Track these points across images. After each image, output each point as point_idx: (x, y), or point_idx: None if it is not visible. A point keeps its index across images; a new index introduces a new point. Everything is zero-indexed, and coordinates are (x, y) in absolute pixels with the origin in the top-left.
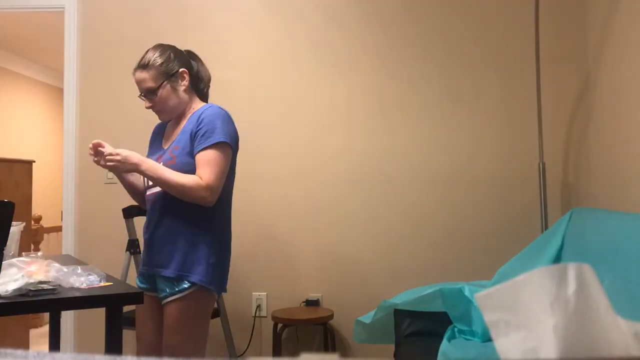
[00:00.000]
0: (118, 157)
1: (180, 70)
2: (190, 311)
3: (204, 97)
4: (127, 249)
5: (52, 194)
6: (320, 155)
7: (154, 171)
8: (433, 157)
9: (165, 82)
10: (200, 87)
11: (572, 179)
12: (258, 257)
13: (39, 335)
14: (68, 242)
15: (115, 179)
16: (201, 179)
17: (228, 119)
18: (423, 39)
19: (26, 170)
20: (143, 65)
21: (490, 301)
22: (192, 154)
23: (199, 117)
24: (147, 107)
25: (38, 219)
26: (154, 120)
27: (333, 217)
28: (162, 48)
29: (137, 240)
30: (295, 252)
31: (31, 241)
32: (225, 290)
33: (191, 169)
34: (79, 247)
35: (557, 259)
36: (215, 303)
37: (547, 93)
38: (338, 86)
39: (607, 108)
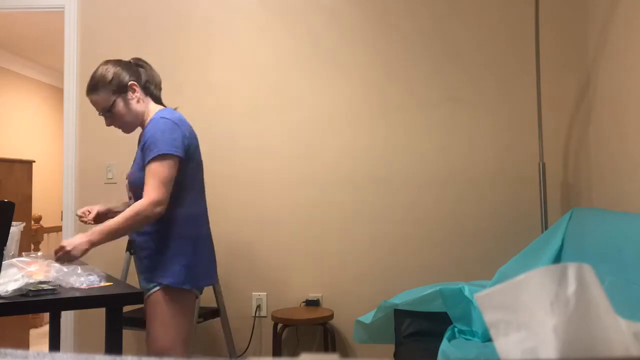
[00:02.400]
0: (67, 250)
1: (130, 83)
2: (162, 308)
3: (159, 100)
4: (127, 249)
5: (52, 194)
6: (321, 155)
7: (107, 234)
8: (433, 157)
9: (116, 99)
10: (153, 92)
11: (572, 179)
12: (258, 257)
13: (39, 335)
14: None
15: (115, 179)
16: (144, 196)
17: (169, 128)
18: (424, 40)
19: (26, 170)
20: (92, 88)
21: (490, 301)
22: (144, 168)
23: (145, 131)
24: (108, 125)
25: (38, 219)
26: None
27: (333, 217)
28: (107, 66)
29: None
30: (296, 252)
31: (31, 241)
32: (213, 284)
33: (143, 183)
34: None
35: (557, 259)
36: (215, 302)
37: (547, 93)
38: (339, 87)
39: (607, 108)
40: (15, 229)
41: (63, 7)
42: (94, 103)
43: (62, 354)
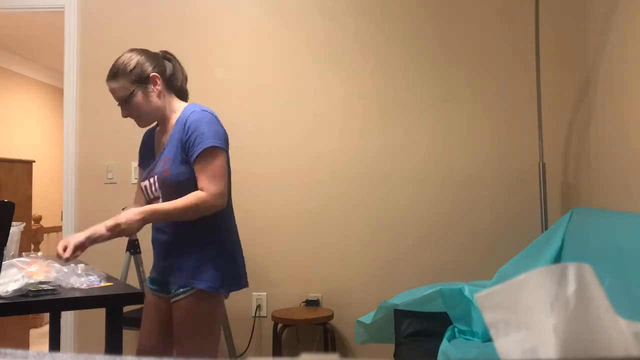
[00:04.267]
0: (122, 227)
1: (152, 75)
2: (197, 310)
3: (184, 96)
4: (127, 249)
5: (52, 194)
6: (320, 155)
7: (160, 214)
8: (433, 157)
9: (136, 90)
10: (178, 87)
11: (572, 179)
12: (258, 257)
13: (39, 335)
14: None
15: (115, 179)
16: (203, 189)
17: (213, 121)
18: (423, 40)
19: (26, 170)
20: (113, 75)
21: (490, 301)
22: (185, 162)
23: (185, 124)
24: (124, 116)
25: (38, 219)
26: None
27: (333, 217)
28: (132, 54)
29: (137, 240)
30: (295, 252)
31: (31, 241)
32: (244, 287)
33: (185, 178)
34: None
35: (557, 259)
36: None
37: (547, 93)
38: (337, 87)
39: (607, 108)
40: (15, 229)
41: (63, 7)
42: (111, 91)
43: (62, 354)
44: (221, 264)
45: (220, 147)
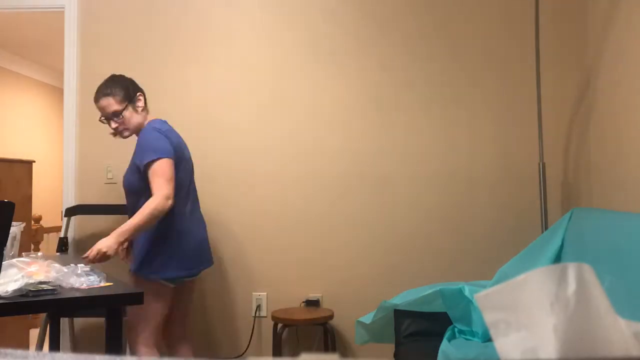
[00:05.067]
0: (103, 252)
1: (137, 93)
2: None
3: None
4: (58, 250)
5: (52, 194)
6: (320, 155)
7: (132, 231)
8: (433, 157)
9: (128, 104)
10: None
11: (572, 179)
12: (258, 257)
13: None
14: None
15: (115, 179)
16: (153, 195)
17: (156, 136)
18: (423, 39)
19: (26, 170)
20: (106, 93)
21: (490, 301)
22: (137, 171)
23: (138, 139)
24: (113, 129)
25: (38, 219)
26: None
27: (333, 218)
28: (115, 77)
29: (67, 238)
30: (296, 252)
31: (31, 241)
32: (193, 276)
33: (135, 185)
34: (79, 247)
35: (557, 259)
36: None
37: (547, 93)
38: (337, 86)
39: (607, 108)
40: (15, 229)
41: (63, 7)
42: (103, 107)
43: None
44: (159, 253)
45: (160, 158)
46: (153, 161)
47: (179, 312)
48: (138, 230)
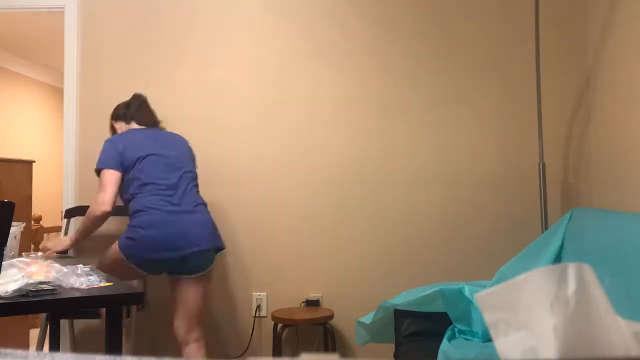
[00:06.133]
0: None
1: (111, 121)
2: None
3: (142, 121)
4: None
5: (52, 194)
6: (321, 155)
7: (79, 233)
8: (433, 158)
9: (113, 126)
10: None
11: (572, 179)
12: (258, 257)
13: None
14: None
15: None
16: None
17: (105, 147)
18: (424, 41)
19: (26, 170)
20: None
21: (490, 301)
22: None
23: None
24: None
25: (38, 219)
26: None
27: (333, 218)
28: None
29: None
30: (295, 252)
31: (31, 241)
32: (142, 261)
33: None
34: (79, 247)
35: (557, 259)
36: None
37: (547, 93)
38: (339, 86)
39: (607, 108)
40: (15, 229)
41: (63, 7)
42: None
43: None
44: (128, 235)
45: (102, 168)
46: (97, 170)
47: (177, 305)
48: (84, 233)
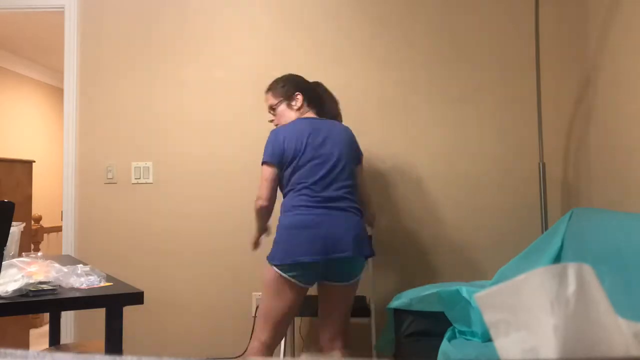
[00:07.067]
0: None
1: (295, 92)
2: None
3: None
4: None
5: (52, 194)
6: None
7: (256, 227)
8: (433, 157)
9: (282, 100)
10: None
11: (572, 179)
12: (258, 257)
13: (39, 335)
14: (68, 242)
15: (115, 179)
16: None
17: (268, 140)
18: (425, 41)
19: (26, 170)
20: (268, 88)
21: (490, 301)
22: None
23: None
24: (270, 121)
25: (38, 219)
26: (152, 120)
27: None
28: (285, 75)
29: None
30: None
31: (31, 241)
32: (290, 261)
33: None
34: (79, 247)
35: (557, 259)
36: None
37: (547, 93)
38: (339, 87)
39: (607, 108)
40: (15, 229)
41: (63, 7)
42: (265, 100)
43: (62, 354)
44: (275, 239)
45: (263, 163)
46: (262, 163)
47: (323, 312)
48: (256, 224)
